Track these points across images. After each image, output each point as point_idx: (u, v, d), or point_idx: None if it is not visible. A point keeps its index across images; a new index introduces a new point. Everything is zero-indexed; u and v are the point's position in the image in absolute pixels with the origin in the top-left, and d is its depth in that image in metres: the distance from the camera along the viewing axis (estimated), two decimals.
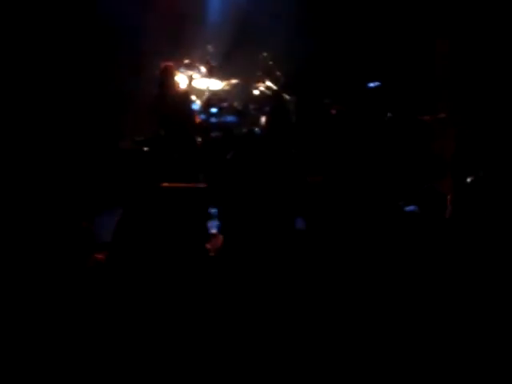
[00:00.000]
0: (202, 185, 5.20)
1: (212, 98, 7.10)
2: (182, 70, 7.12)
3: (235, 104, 7.32)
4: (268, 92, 7.46)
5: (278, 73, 7.61)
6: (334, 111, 7.00)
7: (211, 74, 7.23)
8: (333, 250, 4.11)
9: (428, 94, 7.04)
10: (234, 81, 7.63)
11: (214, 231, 4.61)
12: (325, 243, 4.21)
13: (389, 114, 6.95)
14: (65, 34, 5.65)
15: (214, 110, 7.00)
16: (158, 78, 6.22)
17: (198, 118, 6.82)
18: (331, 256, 3.98)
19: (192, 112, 6.60)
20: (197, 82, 7.31)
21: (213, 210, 4.76)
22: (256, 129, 6.81)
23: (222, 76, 7.59)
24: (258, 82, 7.62)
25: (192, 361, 2.70)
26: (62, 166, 4.53)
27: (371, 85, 7.20)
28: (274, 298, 3.35)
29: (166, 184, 4.79)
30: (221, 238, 4.39)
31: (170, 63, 6.44)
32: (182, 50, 7.50)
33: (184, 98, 6.53)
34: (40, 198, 4.18)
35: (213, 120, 6.95)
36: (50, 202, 4.18)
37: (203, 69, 7.45)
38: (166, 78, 6.14)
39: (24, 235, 3.68)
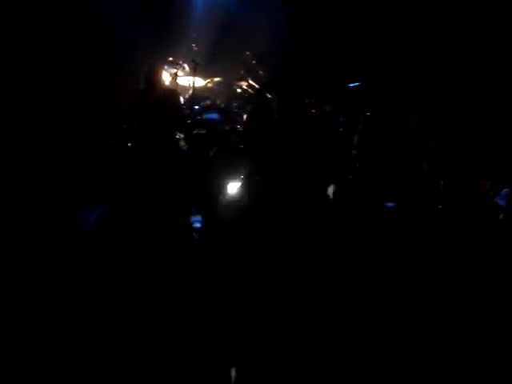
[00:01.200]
0: None
1: (195, 96, 7.16)
2: (165, 67, 7.18)
3: (218, 102, 7.40)
4: (250, 90, 7.56)
5: (261, 71, 7.71)
6: (314, 110, 7.11)
7: (195, 71, 7.27)
8: (315, 247, 4.18)
9: (406, 96, 7.17)
10: (217, 79, 7.71)
11: (197, 226, 4.67)
12: (310, 239, 4.28)
13: (368, 114, 7.08)
14: (46, 28, 5.63)
15: (196, 107, 7.06)
16: (143, 74, 6.24)
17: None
18: (314, 253, 4.05)
19: (180, 109, 6.63)
20: (180, 79, 7.38)
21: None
22: (238, 126, 6.90)
23: (206, 74, 7.66)
24: (241, 80, 7.70)
25: (176, 353, 2.72)
26: (45, 160, 4.51)
27: (352, 85, 7.34)
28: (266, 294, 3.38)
29: None
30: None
31: (156, 60, 6.49)
32: (166, 48, 7.54)
33: (172, 94, 6.57)
34: (23, 192, 4.16)
35: (196, 117, 7.00)
36: (34, 196, 4.17)
37: (187, 66, 7.52)
38: (152, 74, 6.18)
39: (5, 230, 3.66)
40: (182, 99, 7.07)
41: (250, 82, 7.65)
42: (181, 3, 8.51)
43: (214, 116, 7.09)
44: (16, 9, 4.55)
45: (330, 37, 8.30)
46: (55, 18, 5.20)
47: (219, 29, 8.20)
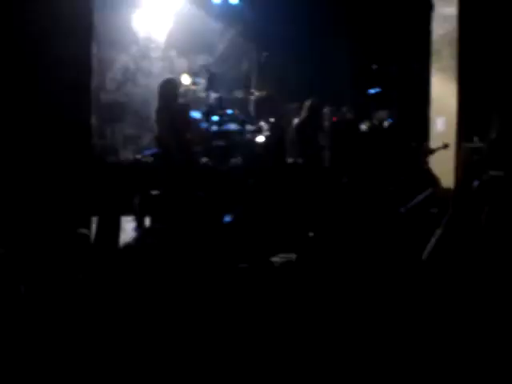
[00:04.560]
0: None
1: (213, 107, 7.07)
2: (182, 78, 7.13)
3: (236, 112, 7.30)
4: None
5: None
6: (335, 118, 7.07)
7: (211, 82, 7.19)
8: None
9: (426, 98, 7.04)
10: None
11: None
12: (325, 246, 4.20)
13: (389, 120, 7.03)
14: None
15: (215, 118, 6.98)
16: (159, 90, 6.20)
17: (200, 127, 6.83)
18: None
19: (192, 121, 6.59)
20: (197, 90, 7.33)
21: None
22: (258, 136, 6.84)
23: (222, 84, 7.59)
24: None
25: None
26: (58, 172, 4.48)
27: (371, 91, 7.28)
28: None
29: None
30: None
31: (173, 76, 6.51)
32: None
33: (184, 108, 6.54)
34: (36, 202, 4.17)
35: (214, 128, 6.93)
36: (47, 208, 4.17)
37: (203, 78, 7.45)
38: (169, 90, 6.14)
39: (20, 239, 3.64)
40: (198, 112, 7.01)
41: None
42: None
43: (233, 127, 7.03)
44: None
45: (348, 43, 8.27)
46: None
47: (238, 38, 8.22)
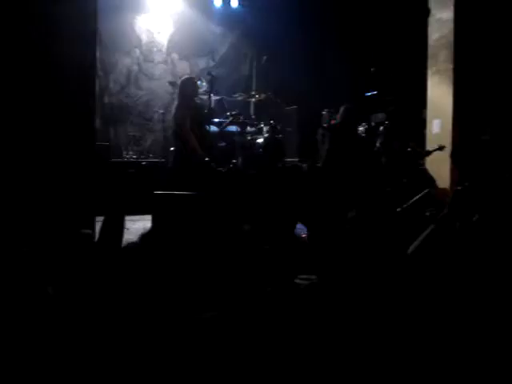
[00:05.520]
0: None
1: (214, 109, 7.21)
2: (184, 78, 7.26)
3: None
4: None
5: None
6: (334, 121, 7.19)
7: (212, 85, 7.33)
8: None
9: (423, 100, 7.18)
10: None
11: None
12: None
13: (386, 122, 7.15)
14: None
15: (216, 120, 7.13)
16: (180, 87, 6.34)
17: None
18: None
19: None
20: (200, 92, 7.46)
21: None
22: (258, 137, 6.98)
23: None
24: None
25: None
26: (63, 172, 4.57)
27: (368, 94, 7.42)
28: None
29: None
30: None
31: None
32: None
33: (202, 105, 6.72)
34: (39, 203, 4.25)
35: (216, 130, 7.08)
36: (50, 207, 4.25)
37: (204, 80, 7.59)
38: (189, 87, 6.29)
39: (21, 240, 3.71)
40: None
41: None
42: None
43: (234, 128, 7.18)
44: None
45: (346, 46, 8.41)
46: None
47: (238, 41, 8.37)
